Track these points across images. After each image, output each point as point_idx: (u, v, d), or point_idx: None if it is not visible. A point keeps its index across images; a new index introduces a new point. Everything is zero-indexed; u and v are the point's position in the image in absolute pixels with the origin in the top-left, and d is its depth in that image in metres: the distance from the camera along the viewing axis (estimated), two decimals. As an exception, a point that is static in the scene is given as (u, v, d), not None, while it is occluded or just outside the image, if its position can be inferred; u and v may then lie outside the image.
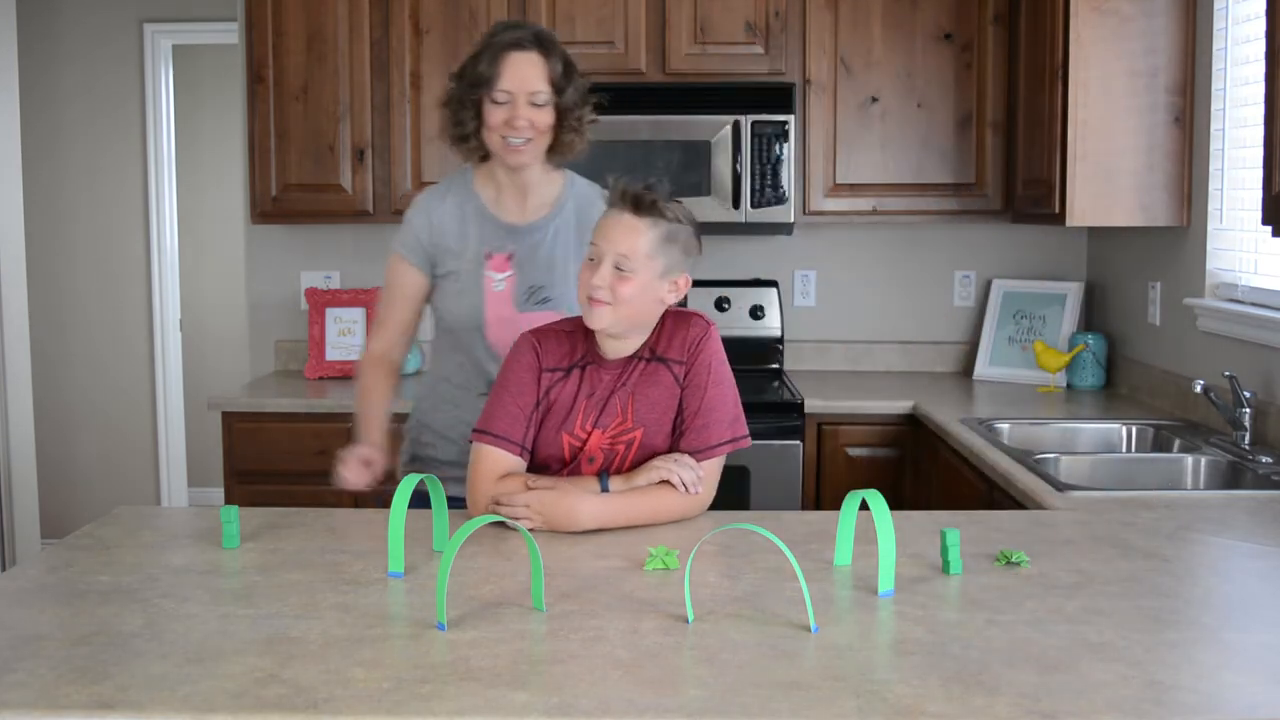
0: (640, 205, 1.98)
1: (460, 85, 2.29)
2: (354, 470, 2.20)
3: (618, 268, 1.97)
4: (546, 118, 2.27)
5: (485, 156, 2.34)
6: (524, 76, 2.24)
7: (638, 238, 1.97)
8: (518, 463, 2.04)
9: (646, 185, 2.00)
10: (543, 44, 2.27)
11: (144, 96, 5.44)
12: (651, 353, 2.06)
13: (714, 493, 2.06)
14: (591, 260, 2.00)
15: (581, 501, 1.95)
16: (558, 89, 2.27)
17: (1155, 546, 1.90)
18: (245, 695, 1.30)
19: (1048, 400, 3.49)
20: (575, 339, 2.07)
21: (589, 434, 2.04)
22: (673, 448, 2.06)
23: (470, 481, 2.04)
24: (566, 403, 2.05)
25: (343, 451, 2.23)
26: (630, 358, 2.06)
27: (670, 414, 2.05)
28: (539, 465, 2.08)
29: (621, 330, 2.03)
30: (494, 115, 2.25)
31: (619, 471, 2.04)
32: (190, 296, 6.04)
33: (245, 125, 3.81)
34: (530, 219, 2.37)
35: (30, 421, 4.68)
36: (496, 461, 2.02)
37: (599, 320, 2.00)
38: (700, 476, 2.01)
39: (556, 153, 2.34)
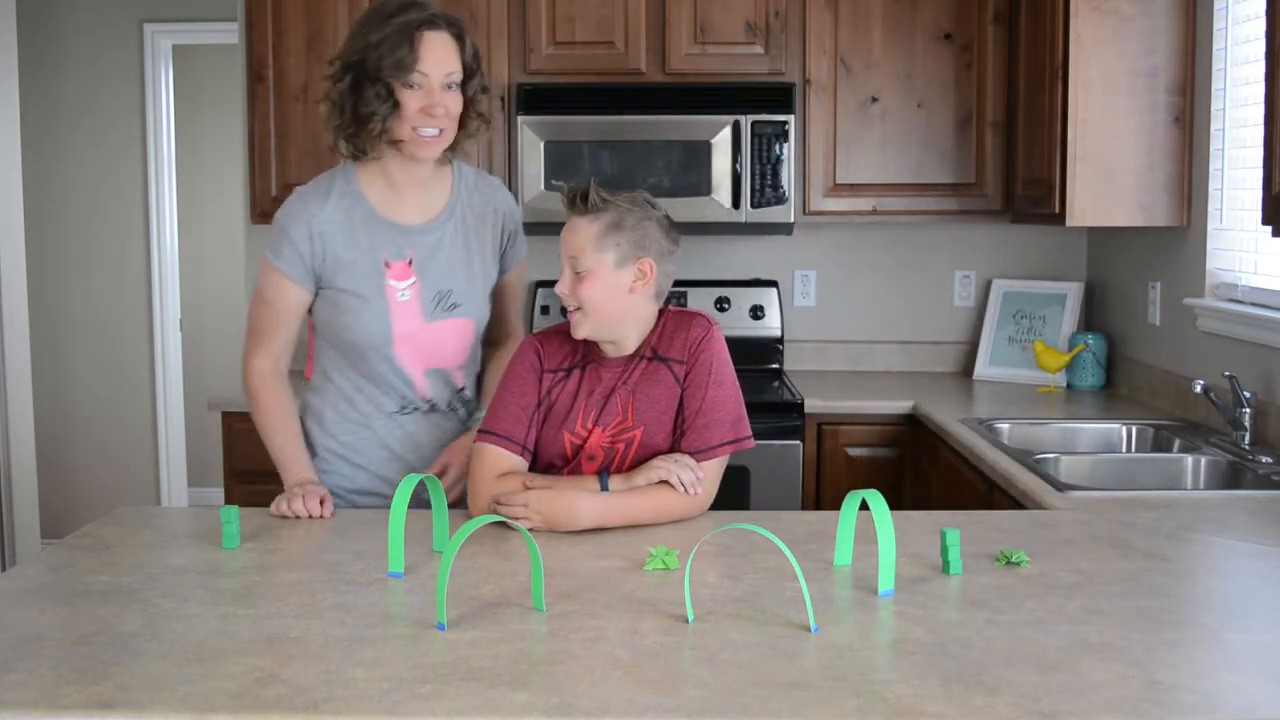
0: (575, 203, 1.99)
1: (361, 69, 2.05)
2: (314, 505, 2.05)
3: (575, 271, 1.99)
4: (458, 104, 2.11)
5: (362, 152, 2.13)
6: (440, 58, 2.06)
7: (580, 235, 1.99)
8: (519, 462, 2.04)
9: (586, 183, 1.99)
10: (452, 23, 2.10)
11: (144, 96, 5.44)
12: (653, 352, 2.06)
13: (714, 493, 2.06)
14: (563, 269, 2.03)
15: (580, 500, 1.95)
16: (468, 73, 2.12)
17: (1155, 546, 1.90)
18: (245, 695, 1.30)
19: (1048, 400, 3.49)
20: (578, 340, 2.07)
21: (590, 432, 2.05)
22: (674, 447, 2.05)
23: (472, 480, 2.05)
24: (567, 402, 2.06)
25: (290, 490, 2.09)
26: (631, 356, 2.06)
27: (671, 413, 2.05)
28: (543, 465, 2.08)
29: (605, 333, 2.03)
30: (411, 102, 2.06)
31: (619, 470, 2.04)
32: (190, 296, 6.04)
33: (245, 125, 3.81)
34: (425, 218, 2.19)
35: (30, 421, 4.68)
36: (497, 460, 2.02)
37: (578, 329, 2.02)
38: (700, 477, 2.01)
39: (460, 143, 2.18)
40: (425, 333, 2.19)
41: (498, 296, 2.33)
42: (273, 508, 2.07)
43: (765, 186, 3.64)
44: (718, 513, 2.10)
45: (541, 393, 2.06)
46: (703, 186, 3.66)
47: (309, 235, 2.13)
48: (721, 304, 3.94)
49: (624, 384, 2.05)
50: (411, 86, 2.06)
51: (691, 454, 2.03)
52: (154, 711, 1.27)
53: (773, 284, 4.01)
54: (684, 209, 3.66)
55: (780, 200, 3.65)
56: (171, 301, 5.61)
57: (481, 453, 2.03)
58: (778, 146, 3.64)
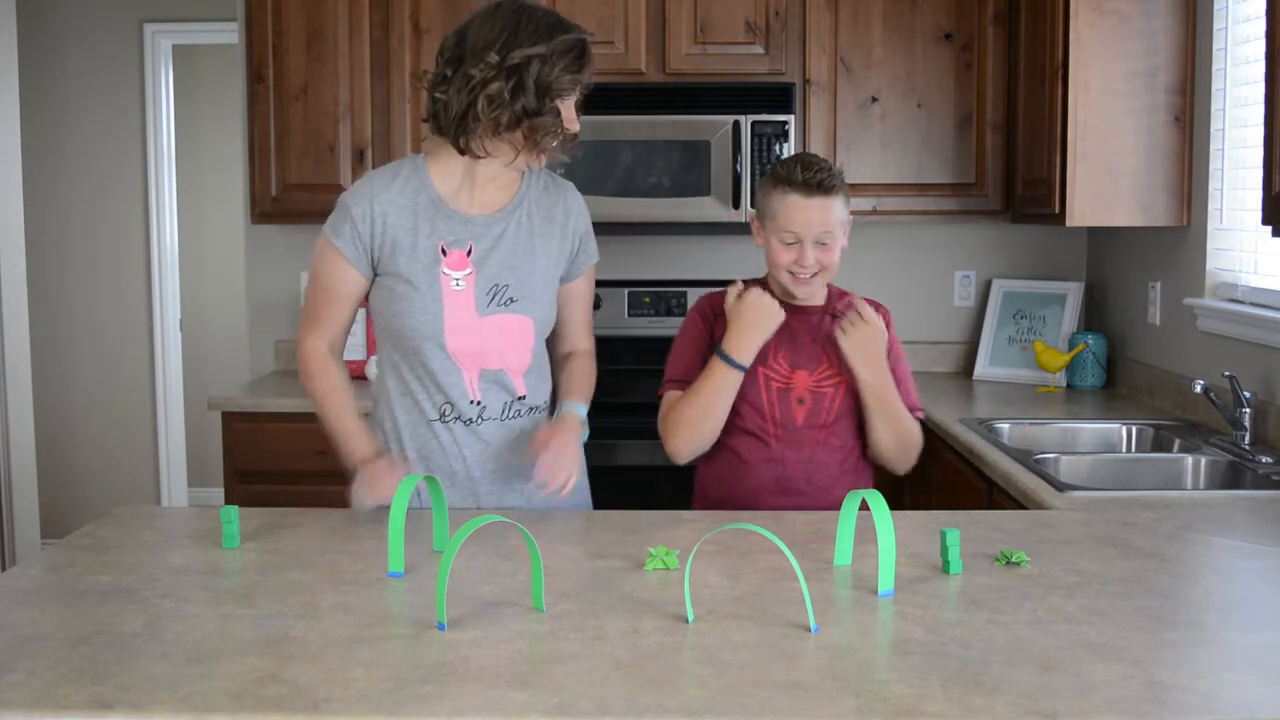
0: (819, 185, 2.20)
1: (526, 75, 2.04)
2: (388, 479, 2.01)
3: (821, 243, 2.23)
4: None
5: (471, 149, 2.12)
6: (585, 79, 2.14)
7: (828, 213, 2.22)
8: None
9: (815, 163, 2.22)
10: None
11: (144, 96, 5.45)
12: (835, 317, 2.30)
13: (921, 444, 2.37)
14: (787, 244, 2.23)
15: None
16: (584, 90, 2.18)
17: (1155, 546, 1.90)
18: (245, 695, 1.30)
19: (1048, 400, 3.49)
20: (757, 290, 2.29)
21: (790, 371, 2.27)
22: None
23: (661, 429, 2.29)
24: None
25: (364, 475, 2.05)
26: (820, 310, 2.32)
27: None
28: (743, 401, 2.26)
29: (823, 286, 2.32)
30: (564, 114, 2.10)
31: (827, 418, 2.28)
32: (190, 296, 6.04)
33: (245, 125, 3.81)
34: (490, 210, 2.18)
35: (30, 421, 4.69)
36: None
37: (810, 288, 2.27)
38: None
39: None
40: (479, 327, 2.14)
41: (569, 301, 2.28)
42: (361, 500, 2.03)
43: (765, 186, 3.64)
44: (718, 513, 2.10)
45: (717, 336, 2.28)
46: (703, 186, 3.66)
47: (370, 216, 2.12)
48: (721, 304, 3.94)
49: (820, 336, 2.30)
50: (565, 102, 2.10)
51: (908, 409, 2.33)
52: (154, 711, 1.27)
53: (773, 284, 4.00)
54: (684, 209, 3.67)
55: (780, 200, 3.65)
56: (171, 301, 5.62)
57: (667, 400, 2.29)
58: (778, 146, 3.64)
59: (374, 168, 3.72)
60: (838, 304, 2.34)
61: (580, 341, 2.34)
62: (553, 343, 2.32)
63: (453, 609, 1.57)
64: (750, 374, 2.26)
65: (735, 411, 2.27)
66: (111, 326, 5.54)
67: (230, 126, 5.69)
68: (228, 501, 3.44)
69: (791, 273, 2.25)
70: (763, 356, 2.27)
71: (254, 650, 1.43)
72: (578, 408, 2.22)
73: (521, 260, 2.17)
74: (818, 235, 2.22)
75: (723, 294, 2.32)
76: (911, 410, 2.34)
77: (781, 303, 2.29)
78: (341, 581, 1.71)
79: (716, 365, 2.23)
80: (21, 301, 4.62)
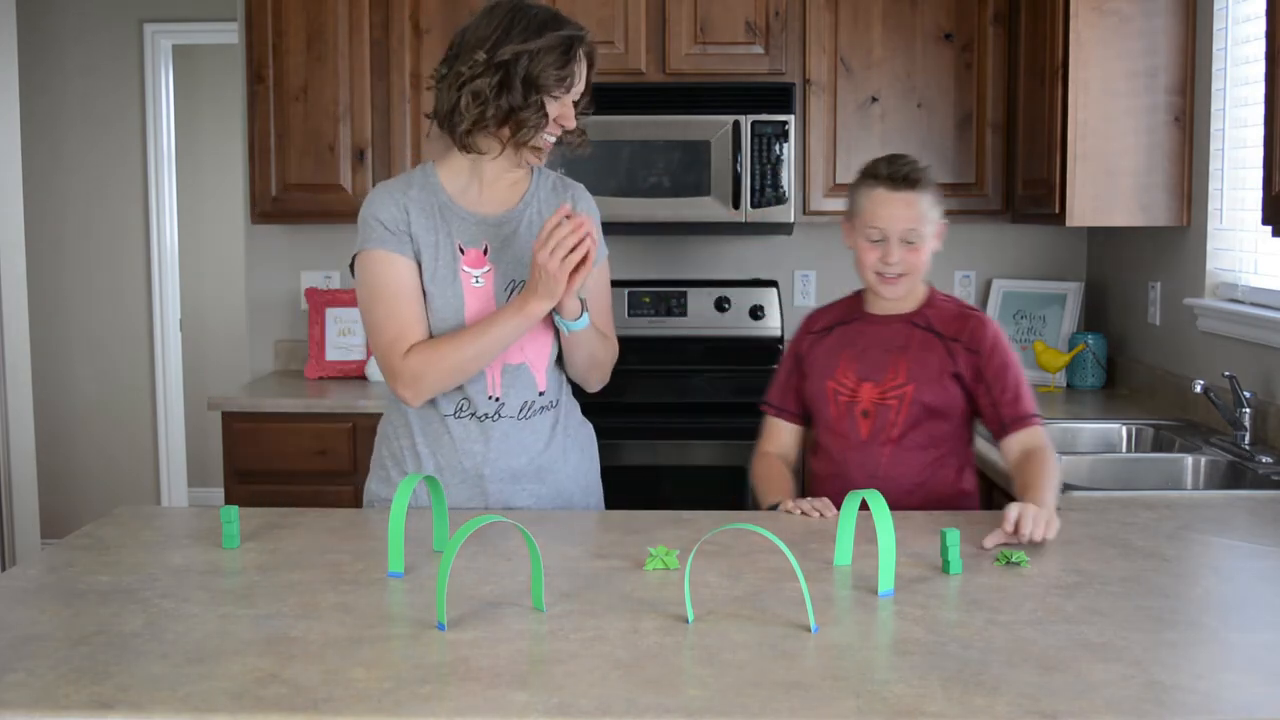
0: (904, 180, 2.16)
1: (513, 71, 2.05)
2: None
3: (908, 241, 2.17)
4: (573, 116, 2.16)
5: (471, 147, 2.13)
6: (581, 75, 2.13)
7: (914, 209, 2.16)
8: (790, 427, 2.32)
9: (902, 159, 2.19)
10: (590, 42, 2.15)
11: (144, 96, 5.45)
12: (927, 323, 2.23)
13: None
14: (874, 241, 2.17)
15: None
16: (587, 88, 2.18)
17: (1155, 546, 1.90)
18: (245, 695, 1.30)
19: (1048, 400, 3.49)
20: (846, 302, 2.31)
21: (857, 384, 2.20)
22: (987, 423, 2.21)
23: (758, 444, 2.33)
24: (825, 355, 2.26)
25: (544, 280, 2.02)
26: (900, 319, 2.24)
27: (943, 378, 2.19)
28: (812, 415, 2.28)
29: (910, 290, 2.23)
30: (550, 110, 2.09)
31: (892, 432, 2.19)
32: (190, 296, 6.04)
33: (245, 125, 3.81)
34: (500, 209, 2.20)
35: (30, 421, 4.68)
36: (770, 426, 2.33)
37: (896, 289, 2.20)
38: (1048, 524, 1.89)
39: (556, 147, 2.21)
40: None
41: (585, 299, 2.24)
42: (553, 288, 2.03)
43: (765, 186, 3.64)
44: (717, 513, 2.11)
45: (801, 352, 2.29)
46: (703, 186, 3.66)
47: (396, 214, 2.14)
48: (721, 304, 3.94)
49: (894, 346, 2.21)
50: (556, 99, 2.10)
51: (1013, 420, 2.17)
52: (154, 711, 1.27)
53: (773, 284, 4.01)
54: (684, 209, 3.67)
55: (780, 200, 3.65)
56: (171, 301, 5.62)
57: (764, 420, 2.34)
58: (778, 146, 3.64)
59: (374, 168, 3.76)
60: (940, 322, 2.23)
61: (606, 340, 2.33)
62: None
63: (453, 609, 1.57)
64: (819, 388, 2.24)
65: (813, 426, 2.30)
66: (111, 326, 5.54)
67: (230, 126, 5.68)
68: (228, 501, 3.44)
69: (878, 273, 2.18)
70: (831, 370, 2.23)
71: (254, 650, 1.43)
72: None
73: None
74: (903, 232, 2.15)
75: (818, 312, 2.34)
76: (1025, 419, 2.17)
77: (860, 313, 2.27)
78: (341, 581, 1.71)
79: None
80: (21, 301, 4.62)
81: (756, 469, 2.31)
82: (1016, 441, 2.17)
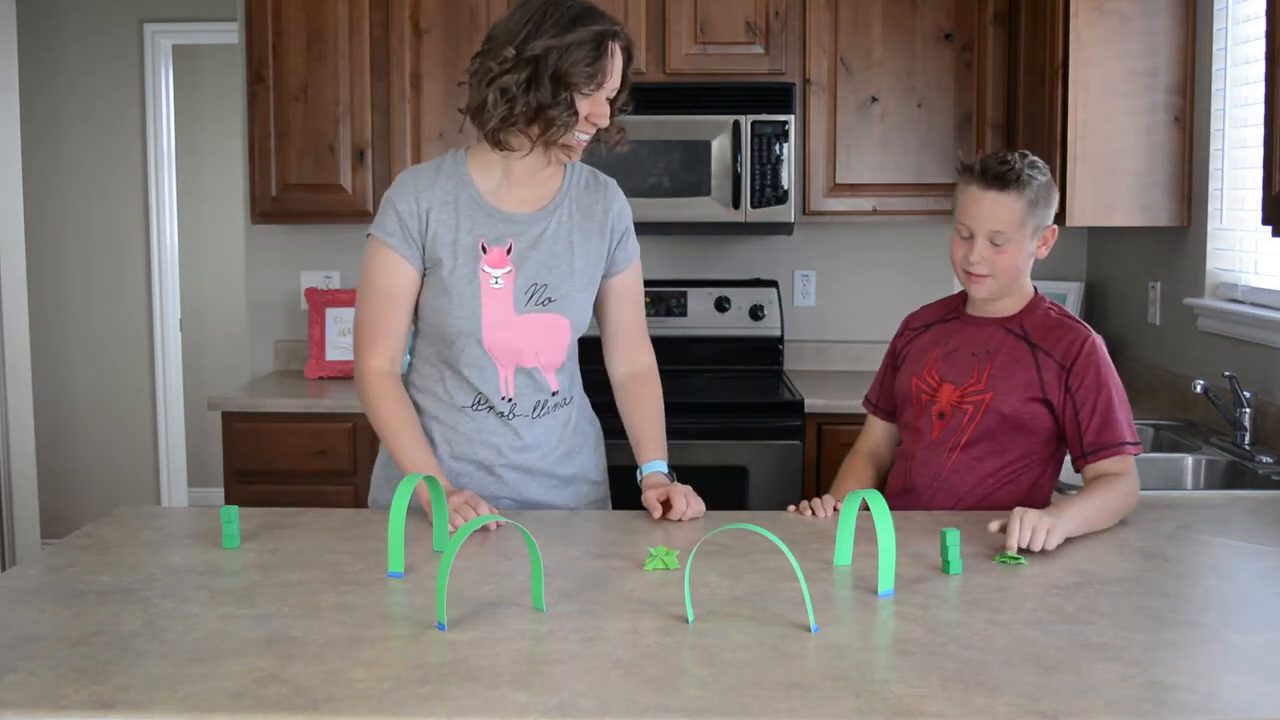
0: (1000, 178, 2.08)
1: (543, 67, 2.00)
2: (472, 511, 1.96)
3: (995, 243, 2.09)
4: (608, 114, 2.11)
5: (502, 144, 2.09)
6: (617, 72, 2.06)
7: (1007, 210, 2.08)
8: (881, 425, 2.34)
9: (1001, 156, 2.11)
10: (628, 38, 2.09)
11: (144, 96, 5.45)
12: (1022, 330, 2.15)
13: (1138, 483, 2.05)
14: (963, 238, 2.13)
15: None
16: (623, 85, 2.13)
17: (1155, 546, 1.90)
18: (245, 695, 1.30)
19: (1048, 400, 3.49)
20: (948, 301, 2.29)
21: (939, 384, 2.18)
22: (1070, 446, 2.11)
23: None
24: (919, 351, 2.24)
25: (456, 504, 1.95)
26: (997, 322, 2.18)
27: (1025, 392, 2.10)
28: (901, 412, 2.26)
29: (1000, 293, 2.16)
30: (581, 108, 2.04)
31: (960, 439, 2.14)
32: (190, 296, 6.04)
33: (245, 125, 3.81)
34: (531, 208, 2.15)
35: (30, 421, 4.68)
36: (867, 423, 2.37)
37: (980, 289, 2.14)
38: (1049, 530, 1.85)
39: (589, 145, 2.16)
40: (516, 325, 2.12)
41: (615, 299, 2.25)
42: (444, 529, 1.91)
43: (765, 186, 3.64)
44: (717, 513, 2.11)
45: (897, 348, 2.29)
46: (703, 186, 3.66)
47: (416, 211, 2.10)
48: (721, 304, 3.94)
49: (983, 350, 2.16)
50: (587, 95, 2.04)
51: (1098, 446, 2.05)
52: (154, 711, 1.27)
53: (773, 284, 4.01)
54: (684, 209, 3.67)
55: (780, 200, 3.65)
56: (171, 301, 5.62)
57: (867, 421, 2.37)
58: (778, 146, 3.64)
59: (374, 168, 3.76)
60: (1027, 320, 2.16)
61: (639, 354, 2.29)
62: (609, 353, 2.28)
63: (453, 609, 1.57)
64: (905, 384, 2.23)
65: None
66: (111, 326, 5.54)
67: (230, 126, 5.68)
68: (228, 501, 3.44)
69: (966, 270, 2.13)
70: (919, 367, 2.21)
71: (254, 650, 1.43)
72: (659, 466, 2.18)
73: (560, 260, 2.14)
74: (990, 233, 2.08)
75: (920, 310, 2.33)
76: (1109, 447, 2.04)
77: (958, 313, 2.24)
78: (341, 581, 1.71)
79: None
80: (21, 301, 4.62)
81: (843, 465, 2.34)
82: (1095, 471, 2.05)
